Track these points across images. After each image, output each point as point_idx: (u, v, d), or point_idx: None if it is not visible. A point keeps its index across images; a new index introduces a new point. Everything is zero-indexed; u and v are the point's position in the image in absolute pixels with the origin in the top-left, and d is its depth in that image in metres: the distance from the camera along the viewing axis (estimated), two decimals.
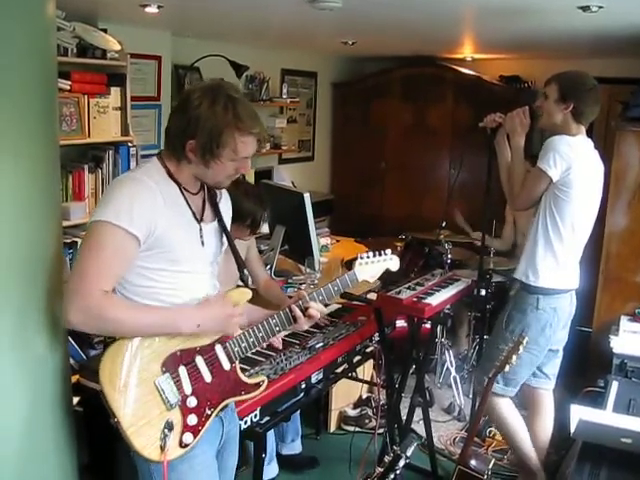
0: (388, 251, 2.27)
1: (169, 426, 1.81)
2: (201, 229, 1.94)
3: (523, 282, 3.06)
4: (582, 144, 3.00)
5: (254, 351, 2.66)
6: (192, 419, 1.86)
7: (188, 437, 1.85)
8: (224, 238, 2.07)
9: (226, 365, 1.96)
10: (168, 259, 1.84)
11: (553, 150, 2.91)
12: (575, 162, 2.90)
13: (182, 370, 1.86)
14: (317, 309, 2.06)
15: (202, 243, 1.95)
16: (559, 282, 3.04)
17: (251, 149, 1.87)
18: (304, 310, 2.05)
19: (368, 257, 2.21)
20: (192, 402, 1.87)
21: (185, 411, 1.85)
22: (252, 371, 2.46)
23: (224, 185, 1.98)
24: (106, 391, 1.77)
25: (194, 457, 1.88)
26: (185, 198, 1.90)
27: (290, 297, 2.18)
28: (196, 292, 1.93)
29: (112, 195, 1.78)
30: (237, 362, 2.00)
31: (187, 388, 1.86)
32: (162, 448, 1.79)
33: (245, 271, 2.09)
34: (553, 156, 2.90)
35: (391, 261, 2.29)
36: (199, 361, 1.90)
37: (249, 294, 2.01)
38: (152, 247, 1.80)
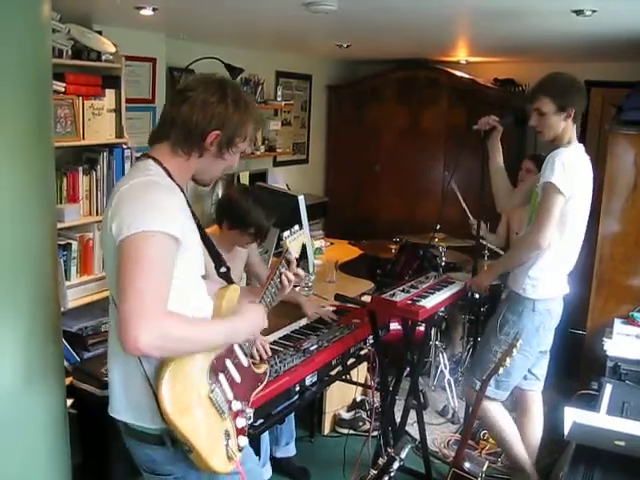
0: (296, 227, 2.28)
1: (227, 435, 1.86)
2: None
3: (519, 294, 3.06)
4: (578, 153, 3.00)
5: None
6: (240, 422, 1.93)
7: (242, 440, 1.93)
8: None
9: (244, 361, 2.03)
10: (188, 262, 1.83)
11: (561, 166, 2.85)
12: (576, 176, 2.91)
13: (221, 377, 1.90)
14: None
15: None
16: (554, 290, 3.06)
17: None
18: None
19: (290, 234, 2.22)
20: (236, 405, 1.92)
21: (233, 416, 1.91)
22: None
23: (212, 182, 2.04)
24: (175, 421, 1.71)
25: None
26: (187, 200, 1.91)
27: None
28: (203, 293, 1.95)
29: (141, 202, 1.72)
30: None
31: (229, 393, 1.91)
32: (230, 457, 1.84)
33: (224, 268, 2.10)
34: (559, 171, 2.85)
35: (303, 234, 2.32)
36: (229, 364, 1.95)
37: (239, 289, 2.05)
38: (182, 250, 1.77)
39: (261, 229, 3.12)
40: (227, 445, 1.84)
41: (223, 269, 2.09)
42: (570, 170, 2.86)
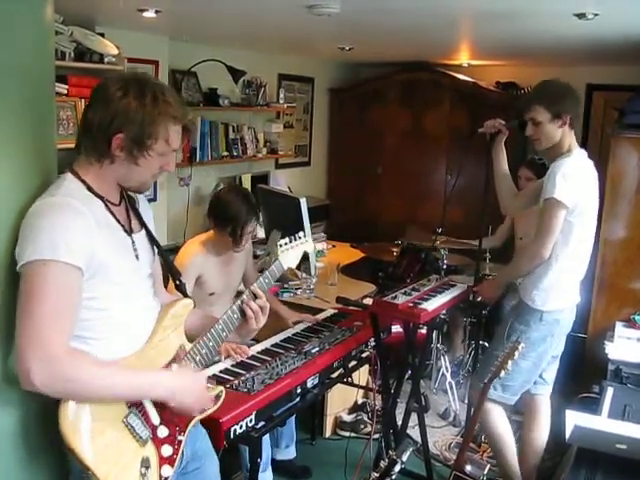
0: (301, 234, 2.27)
1: (146, 463, 1.69)
2: (134, 242, 1.81)
3: (528, 305, 3.06)
4: (579, 160, 2.99)
5: (249, 355, 2.72)
6: (167, 449, 1.77)
7: (166, 470, 1.75)
8: (153, 248, 1.94)
9: None
10: (111, 283, 1.69)
11: (562, 179, 2.85)
12: (581, 184, 2.91)
13: (146, 401, 1.74)
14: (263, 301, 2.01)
15: (137, 257, 1.81)
16: (564, 301, 3.06)
17: (179, 140, 1.76)
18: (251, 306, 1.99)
19: (287, 244, 2.20)
20: (163, 432, 1.77)
21: (158, 443, 1.75)
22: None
23: (148, 186, 1.83)
24: (73, 444, 1.58)
25: None
26: (111, 212, 1.74)
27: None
28: (141, 312, 1.82)
29: (38, 228, 1.57)
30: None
31: (155, 419, 1.75)
32: None
33: (182, 279, 2.00)
34: (561, 184, 2.84)
35: (307, 243, 2.29)
36: None
37: (191, 304, 1.95)
38: (94, 274, 1.64)
39: (237, 223, 3.04)
40: (143, 475, 1.67)
41: (177, 282, 1.98)
42: (571, 180, 2.86)
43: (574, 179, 2.87)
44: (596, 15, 3.09)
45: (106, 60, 3.78)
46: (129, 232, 1.80)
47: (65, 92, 3.55)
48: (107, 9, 3.60)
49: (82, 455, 1.58)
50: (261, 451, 2.56)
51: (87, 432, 1.60)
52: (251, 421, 2.37)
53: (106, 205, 1.73)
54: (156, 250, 1.94)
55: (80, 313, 1.63)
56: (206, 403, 1.88)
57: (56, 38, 3.31)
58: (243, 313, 1.99)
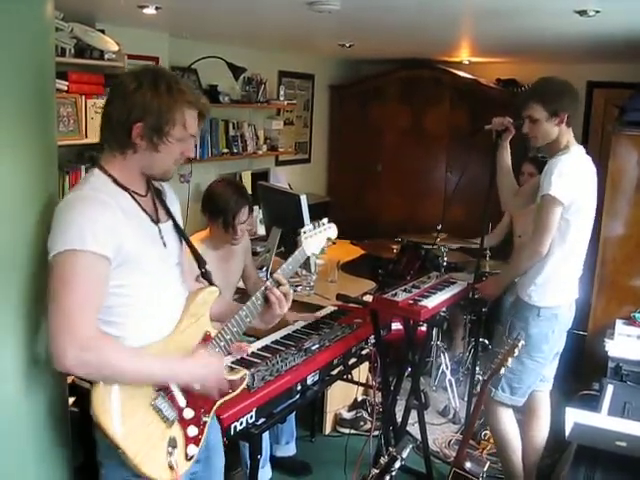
0: (325, 220, 2.27)
1: (173, 443, 1.79)
2: (160, 230, 1.89)
3: (525, 301, 3.06)
4: (577, 157, 2.99)
5: (250, 353, 2.72)
6: (192, 430, 1.86)
7: (192, 449, 1.86)
8: (180, 238, 2.01)
9: None
10: (140, 271, 1.78)
11: (558, 175, 2.85)
12: (577, 181, 2.91)
13: (173, 385, 1.83)
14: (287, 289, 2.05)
15: (164, 244, 1.89)
16: (560, 297, 3.06)
17: (196, 125, 1.83)
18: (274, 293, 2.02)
19: (310, 230, 2.19)
20: (189, 414, 1.86)
21: (184, 424, 1.85)
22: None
23: (170, 174, 1.89)
24: (105, 424, 1.69)
25: None
26: (138, 203, 1.83)
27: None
28: (170, 299, 1.90)
29: (68, 220, 1.67)
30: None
31: (181, 401, 1.85)
32: (172, 467, 1.77)
33: (207, 268, 2.06)
34: (557, 181, 2.84)
35: (330, 229, 2.29)
36: None
37: (217, 291, 2.01)
38: (122, 263, 1.72)
39: (228, 213, 3.03)
40: (170, 454, 1.77)
41: (202, 270, 2.05)
42: (567, 177, 2.86)
43: (570, 176, 2.87)
44: (597, 12, 3.08)
45: (106, 57, 3.78)
46: (156, 222, 1.88)
47: (65, 89, 3.55)
48: (107, 6, 3.60)
49: (114, 436, 1.68)
50: (261, 448, 2.56)
51: (118, 414, 1.70)
52: (251, 418, 2.37)
53: (132, 196, 1.81)
54: (183, 240, 2.01)
55: (110, 300, 1.73)
56: (225, 387, 1.94)
57: (56, 34, 3.31)
58: (266, 300, 2.03)
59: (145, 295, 1.81)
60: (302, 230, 2.16)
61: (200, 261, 2.06)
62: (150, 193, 1.91)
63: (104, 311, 1.73)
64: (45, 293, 1.73)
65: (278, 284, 2.03)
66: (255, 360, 2.66)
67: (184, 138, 1.80)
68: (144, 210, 1.84)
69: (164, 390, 1.80)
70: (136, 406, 1.74)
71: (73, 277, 1.64)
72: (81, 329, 1.62)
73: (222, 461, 2.18)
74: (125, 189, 1.79)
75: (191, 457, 1.85)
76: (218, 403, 1.97)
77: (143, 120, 1.72)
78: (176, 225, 1.98)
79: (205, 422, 1.91)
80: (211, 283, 2.04)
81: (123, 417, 1.71)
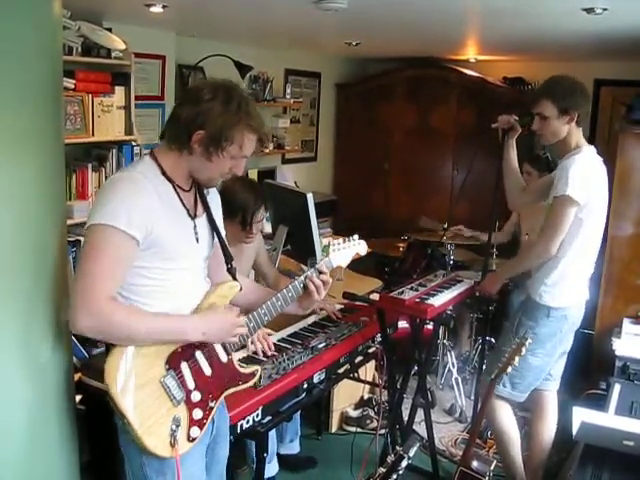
0: (355, 236, 2.38)
1: (177, 422, 1.85)
2: (195, 226, 1.98)
3: (536, 301, 3.05)
4: (589, 157, 2.97)
5: (254, 351, 2.72)
6: (197, 413, 1.91)
7: (195, 431, 1.90)
8: (214, 233, 2.09)
9: (223, 357, 2.01)
10: (165, 257, 1.87)
11: (574, 176, 2.83)
12: (591, 182, 2.89)
13: (184, 366, 1.90)
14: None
15: (197, 240, 1.98)
16: (571, 298, 3.05)
17: (252, 149, 1.92)
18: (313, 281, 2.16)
19: (339, 243, 2.31)
20: (196, 396, 1.91)
21: (190, 406, 1.89)
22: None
23: (215, 183, 2.02)
24: (113, 393, 1.77)
25: (185, 453, 1.90)
26: (179, 196, 1.92)
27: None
28: (190, 288, 1.97)
29: (108, 196, 1.78)
30: (233, 353, 2.05)
31: (190, 383, 1.90)
32: (172, 444, 1.83)
33: (233, 264, 2.11)
34: (573, 182, 2.82)
35: (359, 245, 2.41)
36: (199, 355, 1.94)
37: (237, 287, 2.06)
38: (150, 247, 1.82)
39: (247, 212, 3.02)
40: (174, 431, 1.83)
41: (228, 266, 2.10)
42: (583, 178, 2.84)
43: (586, 176, 2.86)
44: (605, 10, 3.07)
45: (113, 55, 3.78)
46: (193, 217, 1.97)
47: (72, 87, 3.55)
48: (114, 4, 3.61)
49: (121, 405, 1.77)
50: (267, 445, 2.56)
51: (128, 386, 1.79)
52: (258, 416, 2.38)
53: (175, 189, 1.91)
54: (216, 236, 2.09)
55: (135, 279, 1.84)
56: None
57: (64, 33, 3.31)
58: (304, 287, 2.16)
59: (170, 279, 1.89)
60: (332, 242, 2.28)
61: (228, 257, 2.11)
62: (194, 190, 2.00)
63: (127, 288, 1.84)
64: (45, 293, 1.76)
65: (320, 273, 2.17)
66: (262, 358, 2.66)
67: (237, 157, 1.90)
68: (183, 204, 1.93)
69: (174, 369, 1.87)
70: (146, 381, 1.82)
71: (99, 250, 1.75)
72: (95, 293, 1.72)
73: (227, 450, 2.21)
74: (170, 181, 1.90)
75: (193, 439, 1.90)
76: (227, 392, 2.02)
77: (205, 129, 1.82)
78: (211, 221, 2.06)
79: (212, 407, 1.95)
80: (234, 278, 2.09)
81: (132, 389, 1.79)
